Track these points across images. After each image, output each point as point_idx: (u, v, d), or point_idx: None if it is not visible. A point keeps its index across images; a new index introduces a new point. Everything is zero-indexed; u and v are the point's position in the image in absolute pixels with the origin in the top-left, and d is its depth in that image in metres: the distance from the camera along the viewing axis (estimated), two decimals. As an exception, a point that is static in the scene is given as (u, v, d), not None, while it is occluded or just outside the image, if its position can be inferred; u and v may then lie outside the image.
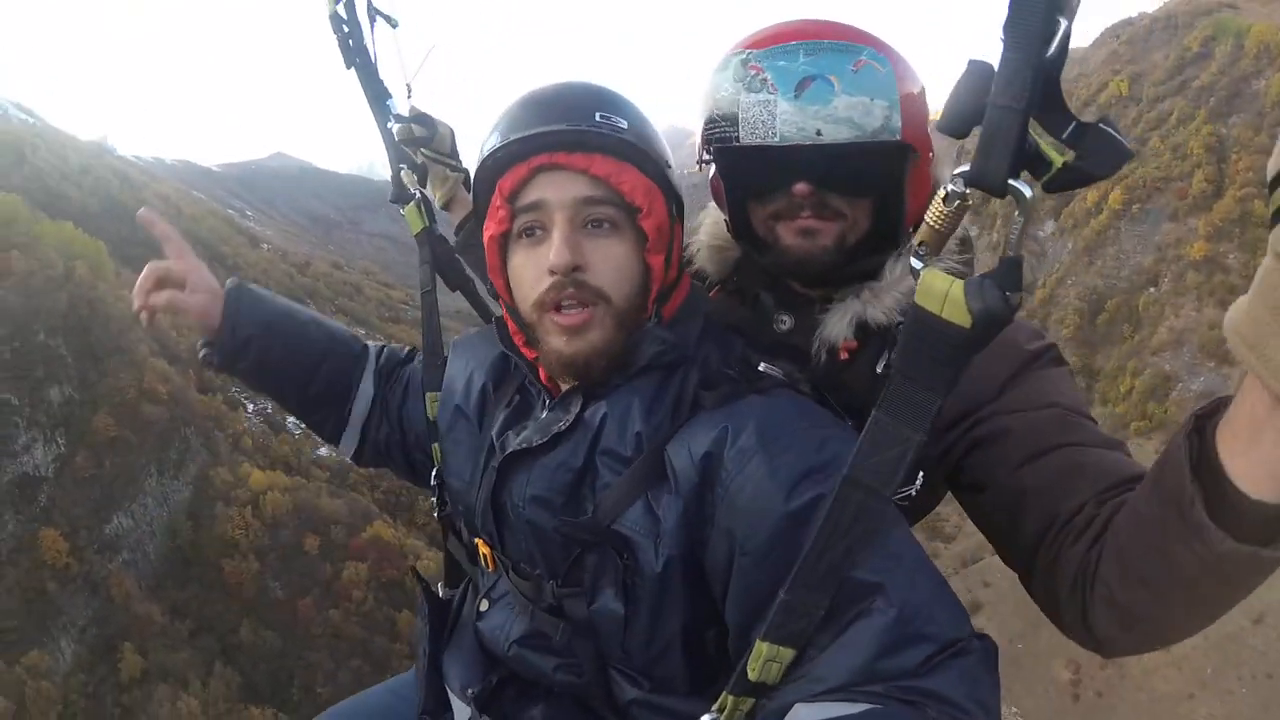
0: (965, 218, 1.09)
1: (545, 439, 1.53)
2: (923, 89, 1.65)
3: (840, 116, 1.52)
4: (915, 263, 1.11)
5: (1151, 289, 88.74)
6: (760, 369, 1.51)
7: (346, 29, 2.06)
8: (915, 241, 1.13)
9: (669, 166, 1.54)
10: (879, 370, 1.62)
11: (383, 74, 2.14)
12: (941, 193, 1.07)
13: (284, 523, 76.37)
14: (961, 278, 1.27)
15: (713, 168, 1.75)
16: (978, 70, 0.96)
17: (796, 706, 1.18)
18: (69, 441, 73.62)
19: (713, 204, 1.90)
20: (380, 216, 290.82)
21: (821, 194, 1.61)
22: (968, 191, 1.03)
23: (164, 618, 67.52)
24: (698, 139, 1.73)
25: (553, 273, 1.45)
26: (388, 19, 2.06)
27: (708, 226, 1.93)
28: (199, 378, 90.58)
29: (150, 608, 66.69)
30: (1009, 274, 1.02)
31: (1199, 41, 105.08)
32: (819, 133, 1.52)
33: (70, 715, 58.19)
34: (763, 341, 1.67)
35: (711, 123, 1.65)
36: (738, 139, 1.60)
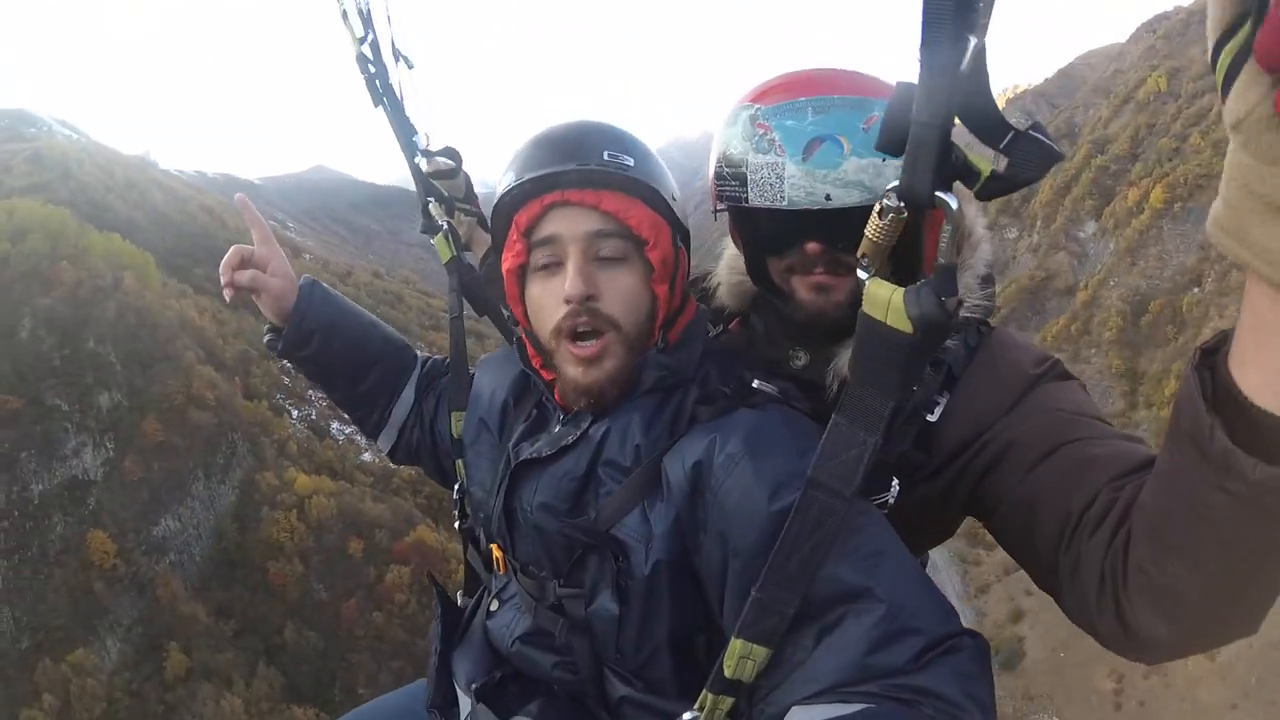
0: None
1: (554, 451, 1.61)
2: None
3: (850, 180, 1.48)
4: (861, 274, 1.15)
5: (1195, 289, 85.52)
6: (754, 386, 1.58)
7: (373, 69, 2.16)
8: (859, 254, 1.16)
9: (674, 199, 1.60)
10: None
11: (409, 109, 2.25)
12: (877, 207, 1.10)
13: (329, 526, 77.50)
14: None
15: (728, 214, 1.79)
16: (903, 91, 0.99)
17: (793, 710, 1.19)
18: (117, 446, 75.41)
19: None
20: (419, 227, 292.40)
21: (834, 252, 1.61)
22: (901, 205, 1.06)
23: (209, 618, 68.83)
24: (710, 179, 1.72)
25: (568, 301, 1.52)
26: (407, 60, 2.17)
27: (727, 260, 1.94)
28: (244, 384, 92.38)
29: (196, 608, 67.99)
30: (943, 281, 1.08)
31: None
32: (828, 197, 1.50)
33: (114, 712, 59.35)
34: (780, 375, 1.69)
35: (721, 179, 1.64)
36: (747, 200, 1.58)
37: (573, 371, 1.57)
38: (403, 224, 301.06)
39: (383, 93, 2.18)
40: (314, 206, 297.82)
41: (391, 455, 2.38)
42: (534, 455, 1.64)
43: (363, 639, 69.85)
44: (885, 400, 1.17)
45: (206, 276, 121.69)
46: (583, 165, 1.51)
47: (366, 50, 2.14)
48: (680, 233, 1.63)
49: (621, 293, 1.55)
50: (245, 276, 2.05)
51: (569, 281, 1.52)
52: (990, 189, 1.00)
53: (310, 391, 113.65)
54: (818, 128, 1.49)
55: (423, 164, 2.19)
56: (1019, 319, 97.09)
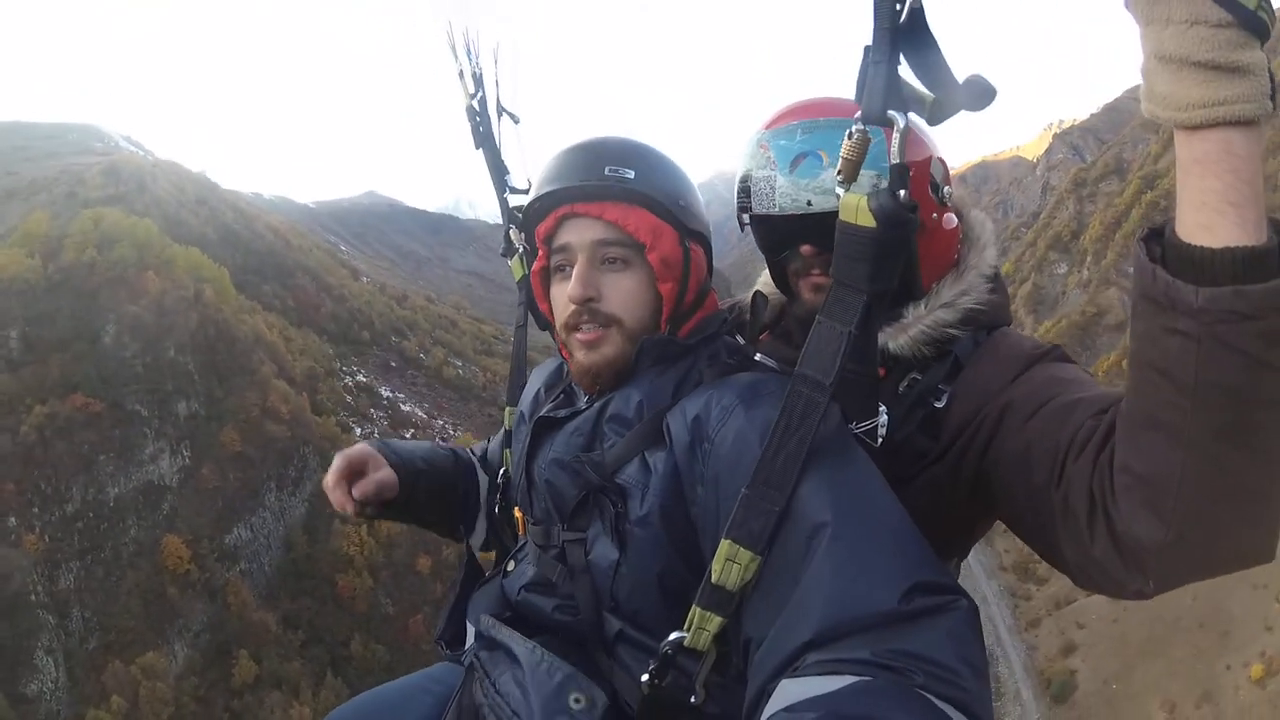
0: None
1: (569, 414, 1.76)
2: (931, 158, 1.79)
3: (828, 188, 1.67)
4: (838, 189, 1.32)
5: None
6: (756, 358, 1.79)
7: (479, 119, 2.37)
8: (835, 172, 1.33)
9: (680, 204, 1.72)
10: (900, 390, 1.78)
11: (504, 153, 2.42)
12: (847, 131, 1.27)
13: (398, 542, 78.56)
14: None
15: None
16: (865, 49, 1.22)
17: (782, 683, 1.18)
18: (194, 453, 76.81)
19: None
20: (468, 254, 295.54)
21: (826, 253, 1.74)
22: (864, 128, 1.25)
23: (278, 627, 69.54)
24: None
25: (573, 302, 1.68)
26: (511, 115, 2.38)
27: (763, 275, 2.10)
28: (311, 400, 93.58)
29: (265, 616, 68.88)
30: (896, 178, 1.25)
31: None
32: (809, 203, 1.70)
33: (181, 717, 59.81)
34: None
35: (738, 194, 1.84)
36: (751, 209, 1.81)
37: (578, 354, 1.73)
38: (451, 251, 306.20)
39: (484, 139, 2.39)
40: (365, 231, 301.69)
41: (484, 547, 2.46)
42: (551, 414, 1.80)
43: (429, 654, 67.40)
44: (858, 295, 1.30)
45: (273, 294, 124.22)
46: (585, 181, 1.68)
47: (475, 105, 2.36)
48: (688, 233, 1.74)
49: (622, 293, 1.69)
50: (370, 486, 2.04)
51: (572, 285, 1.68)
52: (935, 112, 1.20)
53: (373, 409, 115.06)
54: (803, 145, 1.72)
55: (510, 199, 2.36)
56: (1071, 354, 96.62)
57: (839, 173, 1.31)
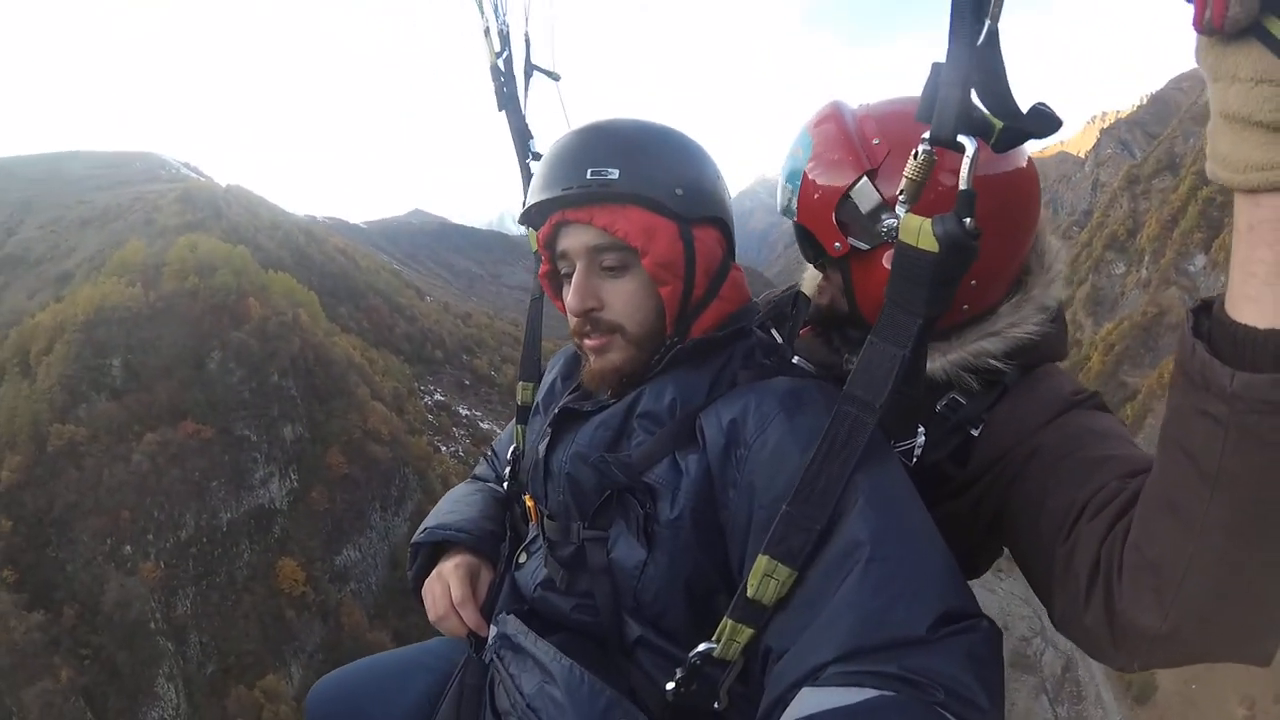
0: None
1: (594, 407, 1.72)
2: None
3: (774, 191, 1.78)
4: (899, 210, 1.28)
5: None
6: (794, 361, 1.76)
7: (503, 79, 2.31)
8: (897, 192, 1.30)
9: (678, 192, 1.64)
10: (937, 410, 1.76)
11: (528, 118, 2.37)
12: (914, 151, 1.24)
13: (500, 558, 78.02)
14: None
15: None
16: (935, 67, 1.17)
17: (803, 691, 1.19)
18: (301, 477, 77.61)
19: None
20: (518, 270, 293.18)
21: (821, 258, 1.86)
22: (931, 149, 1.21)
23: (391, 645, 69.09)
24: None
25: (572, 314, 1.67)
26: (548, 73, 2.33)
27: (807, 274, 2.11)
28: (403, 420, 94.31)
29: (379, 635, 68.94)
30: (964, 205, 1.20)
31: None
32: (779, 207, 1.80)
33: (302, 740, 60.06)
34: (833, 374, 1.81)
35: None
36: (778, 204, 1.84)
37: (589, 360, 1.71)
38: (503, 268, 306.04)
39: (508, 99, 2.33)
40: (417, 250, 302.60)
41: None
42: (575, 406, 1.76)
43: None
44: (914, 318, 1.27)
45: (349, 316, 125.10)
46: (568, 188, 1.61)
47: (500, 64, 2.30)
48: (692, 221, 1.67)
49: (623, 300, 1.65)
50: (473, 616, 1.90)
51: (570, 297, 1.65)
52: (1003, 140, 1.16)
53: (454, 428, 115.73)
54: (789, 149, 1.73)
55: (533, 165, 2.29)
56: (1133, 356, 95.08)
57: (900, 192, 1.28)
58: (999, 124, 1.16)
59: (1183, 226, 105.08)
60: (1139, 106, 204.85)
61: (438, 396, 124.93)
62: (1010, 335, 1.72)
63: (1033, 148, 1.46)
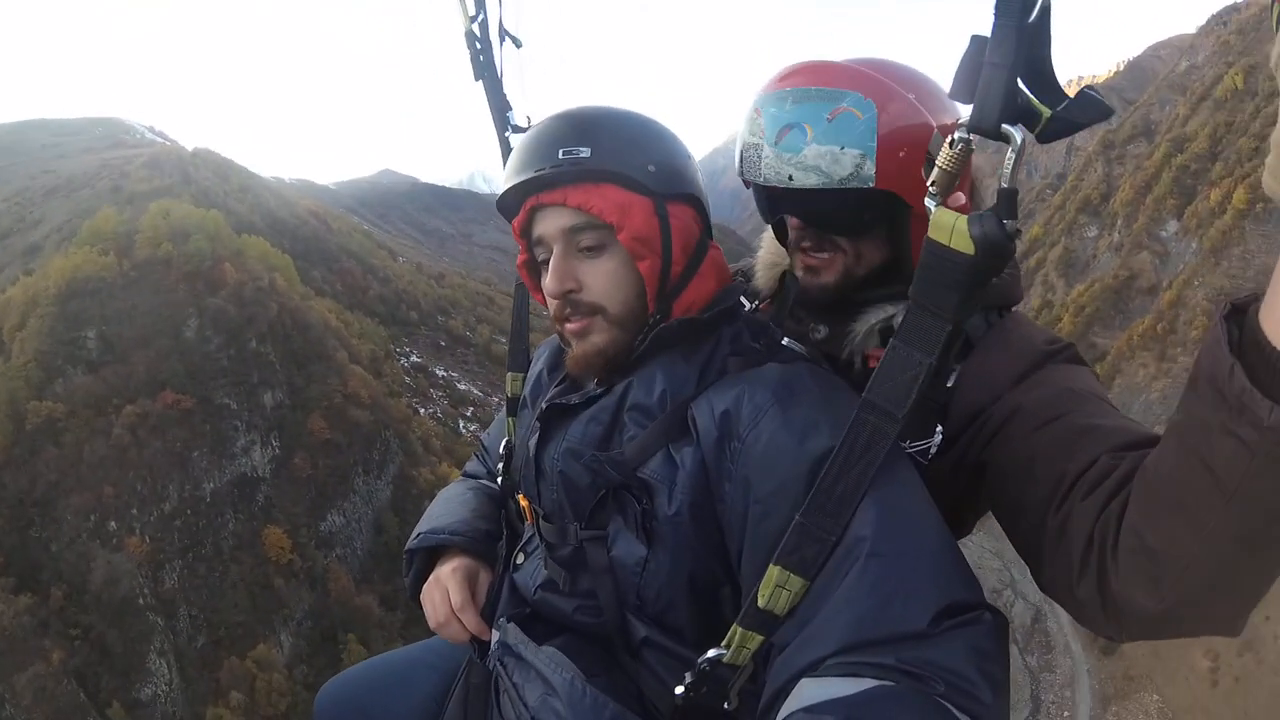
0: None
1: (582, 400, 1.69)
2: (932, 132, 1.64)
3: (809, 164, 1.61)
4: (929, 202, 1.22)
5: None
6: (784, 343, 1.71)
7: (479, 46, 2.24)
8: (928, 182, 1.24)
9: (650, 169, 1.63)
10: None
11: (506, 88, 2.30)
12: (949, 138, 1.19)
13: (485, 518, 78.21)
14: (996, 286, 1.68)
15: None
16: (977, 42, 1.11)
17: (802, 682, 1.18)
18: (283, 443, 76.91)
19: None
20: (489, 229, 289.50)
21: (811, 227, 1.77)
22: (971, 137, 1.15)
23: (379, 609, 69.84)
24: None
25: (551, 297, 1.66)
26: (515, 40, 2.25)
27: (765, 242, 2.07)
28: (381, 382, 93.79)
29: (367, 600, 69.15)
30: (1005, 204, 1.14)
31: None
32: (791, 178, 1.64)
33: (297, 705, 59.75)
34: (827, 354, 1.82)
35: (739, 156, 1.77)
36: (743, 173, 1.75)
37: (572, 345, 1.70)
38: (474, 227, 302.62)
39: (484, 68, 2.27)
40: (387, 210, 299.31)
41: None
42: (563, 401, 1.73)
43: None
44: (943, 323, 1.22)
45: (323, 279, 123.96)
46: (541, 170, 1.60)
47: (475, 29, 2.23)
48: (666, 197, 1.66)
49: (601, 280, 1.64)
50: (474, 621, 1.87)
51: (548, 280, 1.65)
52: (1049, 130, 1.11)
53: (431, 390, 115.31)
54: (791, 115, 1.64)
55: (512, 139, 2.27)
56: (1103, 318, 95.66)
57: (932, 183, 1.23)
58: (1046, 112, 1.10)
59: (1156, 193, 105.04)
60: (1116, 72, 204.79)
61: (414, 358, 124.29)
62: None
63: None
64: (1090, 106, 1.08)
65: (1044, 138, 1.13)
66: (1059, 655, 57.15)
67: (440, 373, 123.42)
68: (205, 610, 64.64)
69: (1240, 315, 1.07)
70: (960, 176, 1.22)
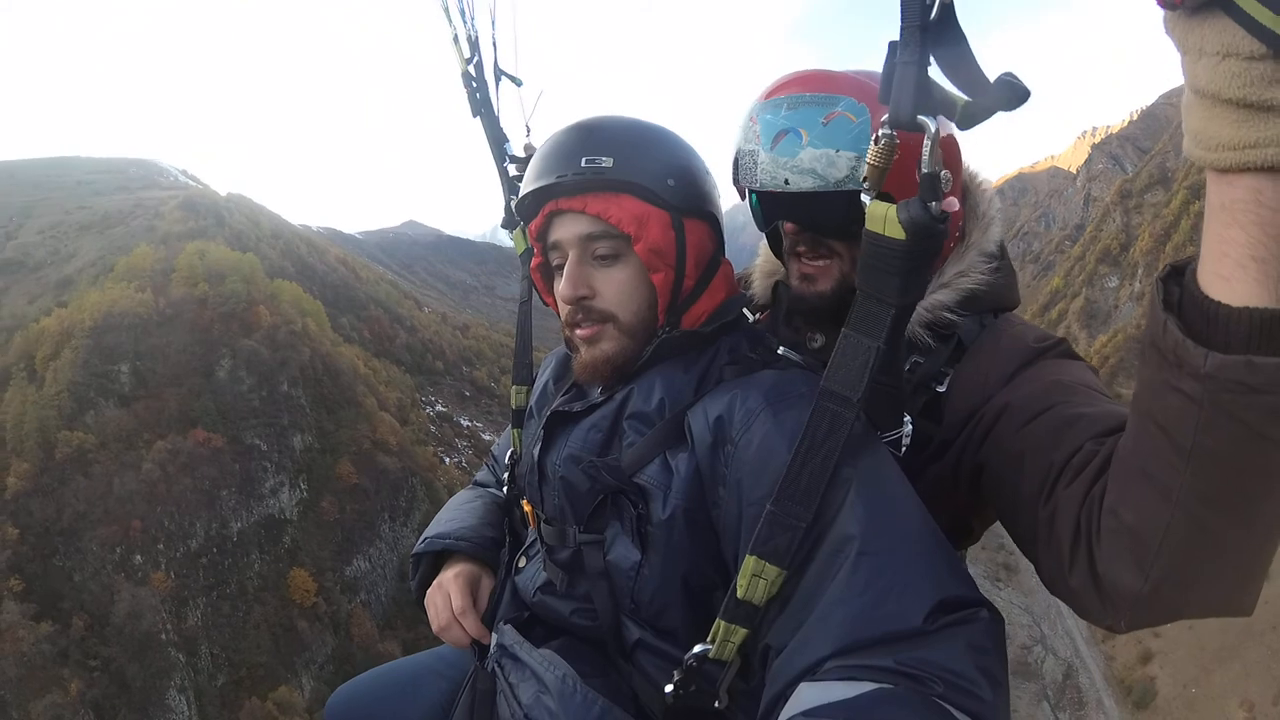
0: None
1: (584, 408, 1.72)
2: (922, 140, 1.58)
3: (805, 168, 1.63)
4: (864, 197, 1.25)
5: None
6: (779, 352, 1.70)
7: (475, 85, 2.31)
8: (860, 178, 1.30)
9: (670, 183, 1.64)
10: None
11: (503, 122, 2.36)
12: (873, 136, 1.23)
13: (508, 568, 77.86)
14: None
15: None
16: (891, 46, 1.15)
17: (801, 686, 1.18)
18: (311, 486, 77.34)
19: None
20: (512, 282, 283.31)
21: (806, 232, 1.79)
22: (893, 132, 1.19)
23: (401, 655, 68.90)
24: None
25: (564, 302, 1.67)
26: (513, 79, 2.31)
27: (762, 251, 2.10)
28: (408, 430, 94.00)
29: (390, 646, 68.58)
30: (928, 188, 1.18)
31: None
32: (787, 181, 1.65)
33: (317, 752, 59.44)
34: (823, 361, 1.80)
35: (733, 164, 1.79)
36: (738, 180, 1.77)
37: (580, 350, 1.71)
38: (497, 279, 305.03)
39: (481, 104, 2.32)
40: (412, 260, 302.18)
41: None
42: (565, 408, 1.75)
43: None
44: (886, 308, 1.25)
45: (351, 326, 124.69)
46: (563, 176, 1.62)
47: (471, 70, 2.30)
48: (683, 211, 1.67)
49: (615, 288, 1.65)
50: (474, 625, 1.91)
51: (562, 285, 1.66)
52: (967, 116, 1.12)
53: (456, 439, 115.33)
54: (786, 121, 1.66)
55: (511, 168, 2.31)
56: (1128, 369, 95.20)
57: (864, 179, 1.25)
58: (962, 100, 1.12)
59: (1175, 240, 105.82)
60: (1129, 121, 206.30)
61: (439, 407, 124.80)
62: (961, 286, 1.76)
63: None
64: (1007, 90, 1.09)
65: (964, 124, 1.14)
66: (1091, 711, 56.53)
67: (465, 422, 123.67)
68: (227, 649, 64.40)
69: (1180, 276, 1.08)
70: (885, 170, 1.24)
